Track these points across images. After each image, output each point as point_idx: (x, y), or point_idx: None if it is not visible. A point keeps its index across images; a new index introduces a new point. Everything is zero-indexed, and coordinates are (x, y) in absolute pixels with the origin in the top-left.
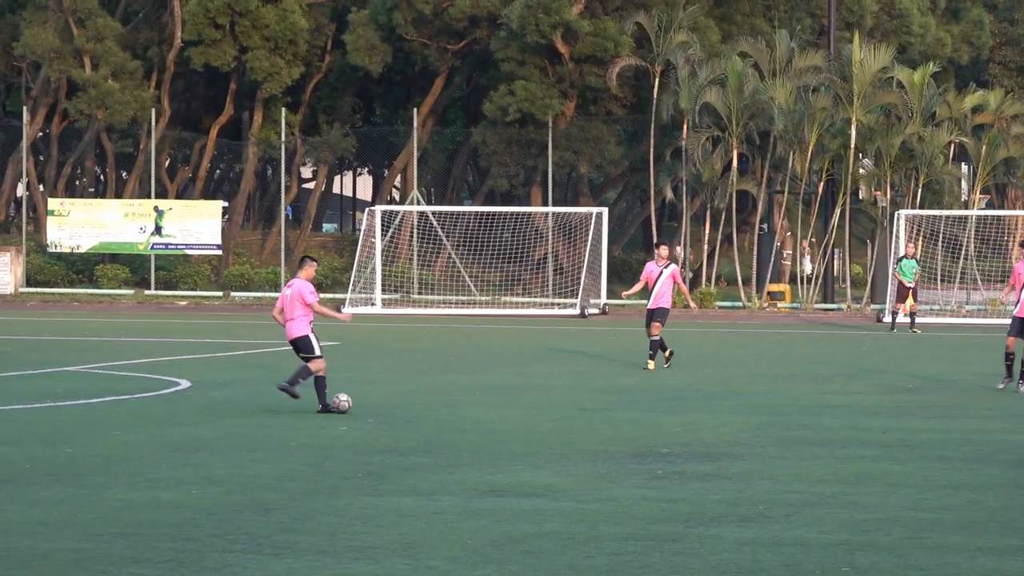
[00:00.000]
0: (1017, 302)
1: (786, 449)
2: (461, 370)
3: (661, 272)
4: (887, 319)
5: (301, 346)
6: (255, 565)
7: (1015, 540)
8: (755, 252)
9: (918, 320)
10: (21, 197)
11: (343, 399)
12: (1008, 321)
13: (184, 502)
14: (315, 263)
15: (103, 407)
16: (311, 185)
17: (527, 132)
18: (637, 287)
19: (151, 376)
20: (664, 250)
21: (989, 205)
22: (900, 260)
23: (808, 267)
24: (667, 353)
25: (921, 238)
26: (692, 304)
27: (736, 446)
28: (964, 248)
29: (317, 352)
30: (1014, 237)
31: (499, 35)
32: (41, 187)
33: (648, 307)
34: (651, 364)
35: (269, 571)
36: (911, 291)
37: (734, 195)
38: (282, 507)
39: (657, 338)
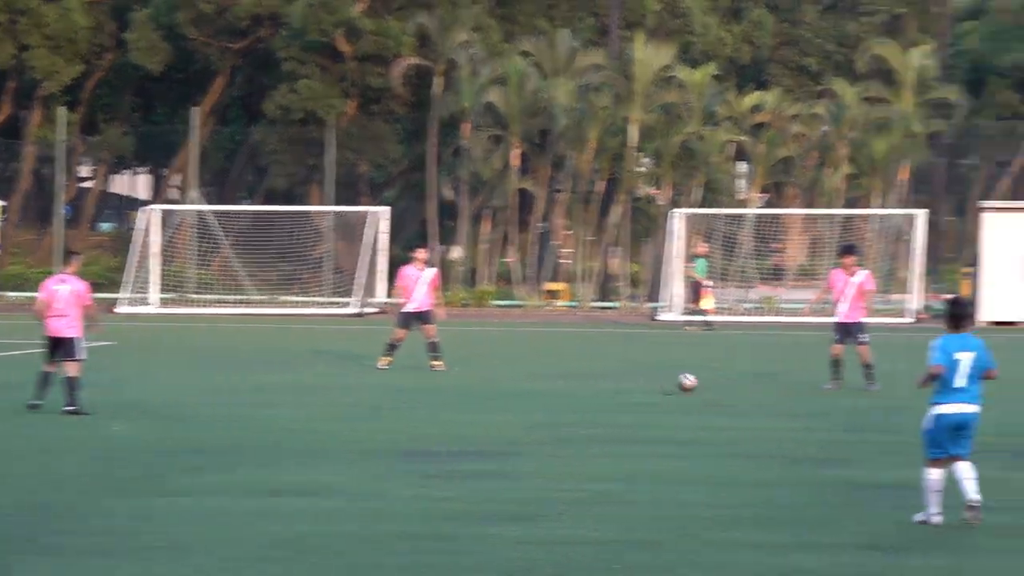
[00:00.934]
0: (836, 308)
1: (562, 447)
2: (238, 370)
3: (420, 277)
4: (661, 317)
5: (68, 347)
6: (29, 566)
7: (788, 536)
8: (534, 251)
9: (689, 318)
10: None
11: None
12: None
13: None
14: (81, 256)
15: None
16: (90, 184)
17: (308, 131)
18: (404, 296)
19: None
20: (423, 253)
21: (767, 203)
22: (694, 259)
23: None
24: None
25: (699, 237)
26: (442, 312)
27: (512, 444)
28: (741, 246)
29: (81, 356)
30: (790, 235)
31: (281, 34)
32: None
33: (410, 311)
34: (439, 364)
35: (37, 572)
36: (708, 289)
37: (514, 194)
38: (56, 508)
39: (436, 340)
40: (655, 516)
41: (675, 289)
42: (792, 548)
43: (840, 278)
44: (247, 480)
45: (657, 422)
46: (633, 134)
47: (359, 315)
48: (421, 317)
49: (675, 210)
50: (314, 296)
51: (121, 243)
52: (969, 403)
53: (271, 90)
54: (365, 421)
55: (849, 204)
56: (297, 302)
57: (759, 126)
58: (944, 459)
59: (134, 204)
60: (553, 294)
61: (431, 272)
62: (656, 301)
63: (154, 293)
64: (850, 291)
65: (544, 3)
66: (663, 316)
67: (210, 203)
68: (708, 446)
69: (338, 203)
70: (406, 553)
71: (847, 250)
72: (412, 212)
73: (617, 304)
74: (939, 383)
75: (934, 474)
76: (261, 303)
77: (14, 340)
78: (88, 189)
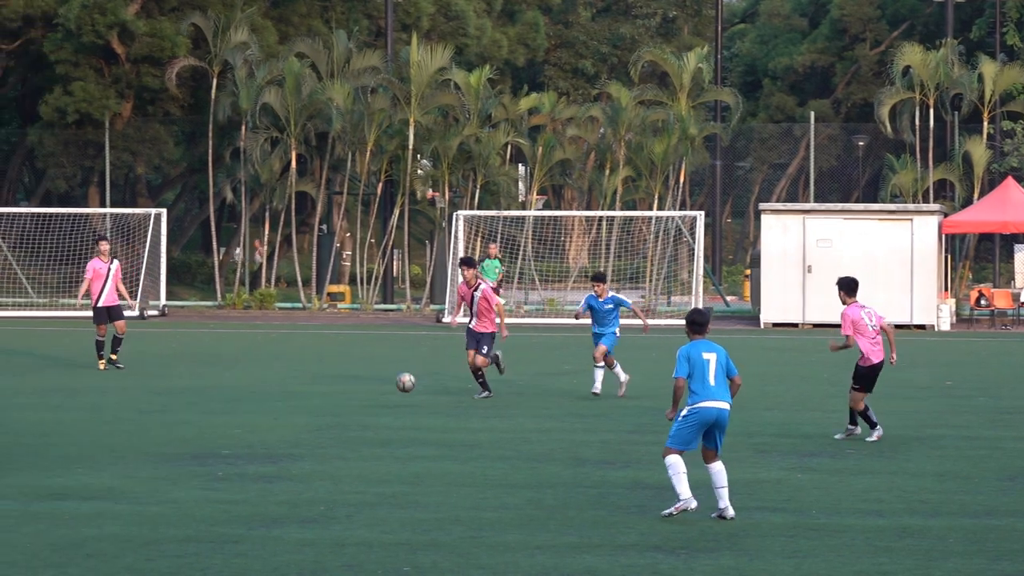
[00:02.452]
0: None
1: (347, 449)
2: (13, 372)
3: (109, 268)
4: (446, 319)
5: None
6: None
7: (573, 537)
8: (315, 253)
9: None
10: None
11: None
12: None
13: None
14: None
15: None
16: None
17: (84, 133)
18: (96, 288)
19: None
20: (105, 245)
21: (546, 206)
22: (483, 261)
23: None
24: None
25: (480, 239)
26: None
27: (297, 447)
28: (522, 249)
29: None
30: (571, 237)
31: (55, 36)
32: None
33: (104, 304)
34: (102, 364)
35: None
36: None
37: (293, 196)
38: None
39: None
40: (443, 518)
41: (451, 291)
42: (582, 548)
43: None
44: (26, 484)
45: (442, 425)
46: (411, 136)
47: (141, 317)
48: (112, 312)
49: (457, 212)
50: None
51: None
52: (722, 400)
53: (45, 92)
54: (148, 424)
55: (628, 206)
56: (78, 304)
57: (536, 128)
58: (685, 451)
59: None
60: (336, 296)
61: (116, 265)
62: (439, 303)
63: None
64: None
65: (319, 5)
66: (447, 318)
67: None
68: (494, 448)
69: (116, 205)
70: (193, 556)
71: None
72: (192, 214)
73: (401, 307)
74: (693, 384)
75: (673, 458)
76: (42, 306)
77: None
78: None
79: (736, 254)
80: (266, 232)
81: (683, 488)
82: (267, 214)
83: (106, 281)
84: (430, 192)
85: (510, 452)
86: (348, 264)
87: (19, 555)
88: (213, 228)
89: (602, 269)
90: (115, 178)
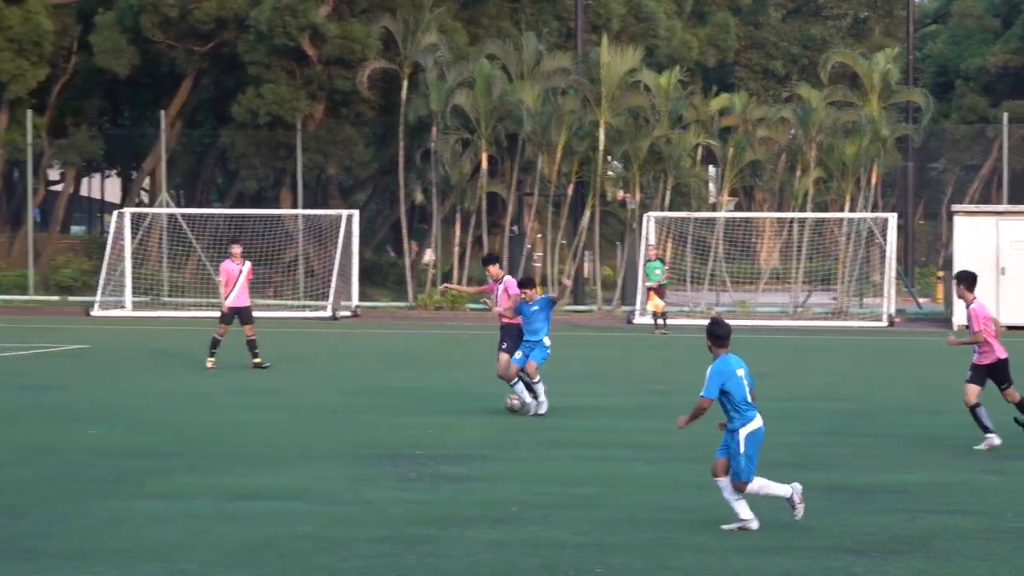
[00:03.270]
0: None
1: (539, 450)
2: (212, 373)
3: (240, 270)
4: (639, 320)
5: None
6: (6, 570)
7: (768, 540)
8: (505, 254)
9: (669, 322)
10: None
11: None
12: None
13: None
14: None
15: None
16: (59, 187)
17: (276, 134)
18: (228, 290)
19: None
20: (238, 248)
21: (737, 207)
22: (646, 262)
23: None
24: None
25: (671, 240)
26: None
27: (488, 448)
28: (713, 250)
29: None
30: (762, 239)
31: (247, 38)
32: None
33: (232, 305)
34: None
35: None
36: (656, 291)
37: (484, 197)
38: (32, 512)
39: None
40: (633, 519)
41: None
42: (775, 551)
43: None
44: (222, 484)
45: (633, 426)
46: (601, 137)
47: (333, 318)
48: (241, 314)
49: (648, 213)
50: (288, 299)
51: (93, 246)
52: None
53: (238, 93)
54: (341, 425)
55: (819, 208)
56: (271, 305)
57: (727, 130)
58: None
59: (105, 207)
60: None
61: (248, 265)
62: (630, 304)
63: (128, 296)
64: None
65: (508, 7)
66: (638, 319)
67: (180, 206)
68: (686, 450)
69: (308, 206)
70: (386, 556)
71: None
72: (383, 215)
73: (592, 308)
74: (732, 404)
75: (756, 484)
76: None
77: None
78: (58, 192)
79: (928, 256)
80: (457, 233)
81: (781, 489)
82: (458, 215)
83: (236, 282)
84: (621, 193)
85: (702, 454)
86: (539, 265)
87: (213, 554)
88: (404, 229)
89: (531, 275)
90: (307, 179)
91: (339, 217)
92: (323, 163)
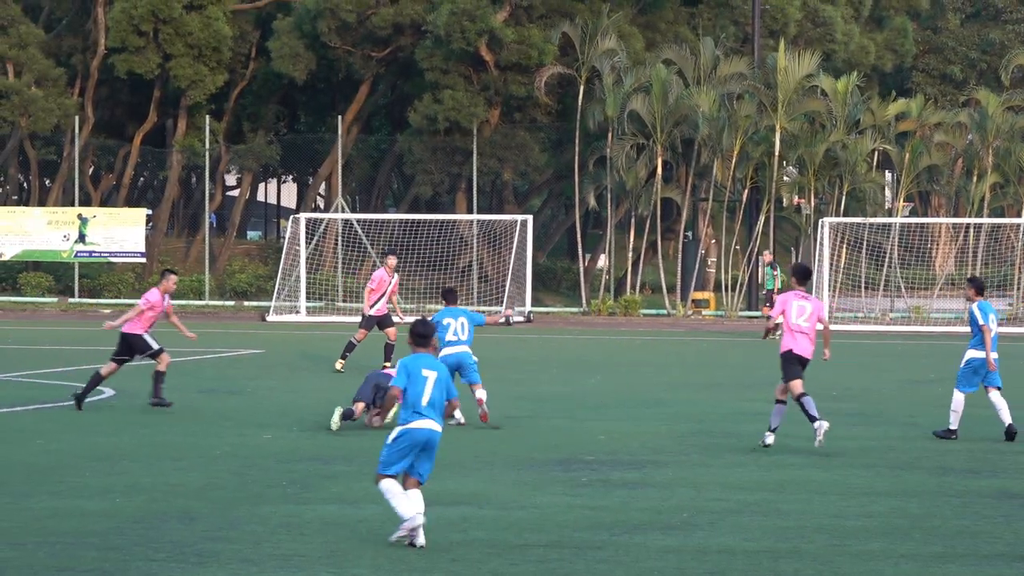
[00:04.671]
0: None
1: (710, 457)
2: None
3: (390, 281)
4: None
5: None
6: (179, 574)
7: (938, 547)
8: (680, 260)
9: (841, 328)
10: None
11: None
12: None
13: (108, 511)
14: (174, 275)
15: (26, 415)
16: (236, 193)
17: (452, 140)
18: (374, 297)
19: (76, 384)
20: (393, 260)
21: (912, 213)
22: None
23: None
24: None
25: (845, 246)
26: (401, 316)
27: (660, 454)
28: (888, 256)
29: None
30: (937, 244)
31: (424, 43)
32: None
33: (375, 314)
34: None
35: None
36: (771, 295)
37: (658, 203)
38: (206, 516)
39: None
40: (806, 526)
41: (823, 297)
42: (947, 558)
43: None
44: None
45: (806, 432)
46: (777, 143)
47: (507, 323)
48: (382, 321)
49: (823, 219)
50: (462, 304)
51: (268, 251)
52: (436, 421)
53: (414, 99)
54: (515, 429)
55: (996, 213)
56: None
57: (903, 135)
58: (398, 476)
59: (280, 212)
60: (700, 303)
61: (396, 279)
62: None
63: (302, 301)
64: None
65: (685, 12)
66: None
67: (356, 211)
68: (858, 456)
69: (483, 212)
70: (556, 561)
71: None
72: (557, 221)
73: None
74: (406, 401)
75: (388, 484)
76: (409, 311)
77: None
78: (235, 197)
79: None
80: (631, 238)
81: (407, 509)
82: (632, 220)
83: (384, 292)
84: (796, 199)
85: (874, 460)
86: (713, 271)
87: (385, 559)
88: (579, 234)
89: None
90: (482, 184)
91: (514, 222)
92: (498, 168)
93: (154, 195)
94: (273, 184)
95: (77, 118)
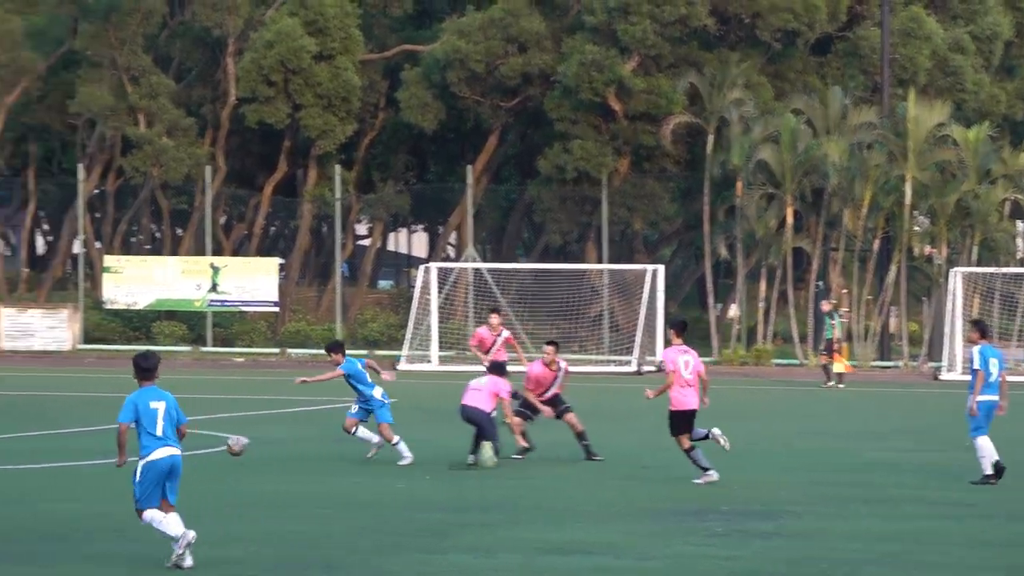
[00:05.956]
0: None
1: (844, 507)
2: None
3: (495, 339)
4: (945, 376)
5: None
6: None
7: None
8: (811, 309)
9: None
10: (77, 254)
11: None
12: None
13: (244, 559)
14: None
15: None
16: (366, 242)
17: (581, 189)
18: (480, 353)
19: (209, 433)
20: (495, 318)
21: None
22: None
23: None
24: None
25: (978, 296)
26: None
27: (794, 504)
28: (1021, 306)
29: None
30: None
31: (553, 93)
32: (98, 244)
33: (492, 360)
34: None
35: None
36: (831, 344)
37: (789, 252)
38: (345, 564)
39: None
40: None
41: (956, 348)
42: None
43: None
44: (531, 538)
45: (939, 484)
46: (908, 192)
47: (638, 373)
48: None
49: (955, 269)
50: (592, 354)
51: (400, 300)
52: (174, 447)
53: (543, 148)
54: (650, 479)
55: None
56: (575, 360)
57: None
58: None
59: (411, 261)
60: (830, 368)
61: (506, 335)
62: (937, 360)
63: (434, 350)
64: None
65: (814, 61)
66: (945, 375)
67: (486, 260)
68: (990, 507)
69: (613, 261)
70: None
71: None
72: (688, 270)
73: (898, 364)
74: (142, 432)
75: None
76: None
77: (296, 397)
78: (365, 247)
79: None
80: (762, 288)
81: (175, 529)
82: (763, 270)
83: (489, 350)
84: (927, 248)
85: (1009, 509)
86: (845, 320)
87: None
88: (709, 284)
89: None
90: (612, 234)
91: (644, 272)
92: (628, 218)
93: (285, 244)
94: (403, 233)
95: (208, 168)
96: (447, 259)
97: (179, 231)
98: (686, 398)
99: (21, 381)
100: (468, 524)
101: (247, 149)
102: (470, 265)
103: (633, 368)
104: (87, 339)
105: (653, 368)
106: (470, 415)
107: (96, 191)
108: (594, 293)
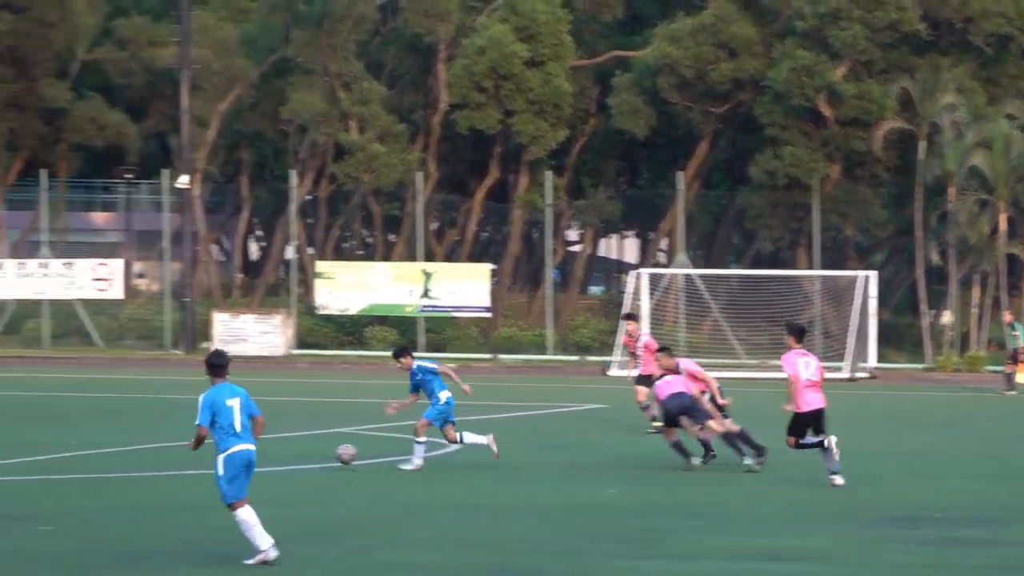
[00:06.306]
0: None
1: None
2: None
3: (635, 342)
4: None
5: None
6: None
7: None
8: None
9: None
10: (290, 260)
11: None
12: None
13: (451, 563)
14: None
15: (373, 469)
16: (577, 248)
17: (792, 195)
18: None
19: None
20: (630, 325)
21: None
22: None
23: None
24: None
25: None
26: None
27: (1008, 510)
28: None
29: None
30: None
31: (763, 99)
32: (310, 249)
33: (642, 374)
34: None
35: None
36: (1016, 353)
37: (1002, 258)
38: (551, 569)
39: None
40: None
41: None
42: None
43: None
44: (740, 544)
45: None
46: None
47: (851, 379)
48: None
49: None
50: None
51: (610, 306)
52: (249, 443)
53: (754, 153)
54: (859, 485)
55: None
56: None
57: None
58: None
59: (622, 267)
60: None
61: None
62: None
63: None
64: None
65: None
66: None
67: (697, 267)
68: None
69: (824, 267)
70: None
71: None
72: (900, 276)
73: None
74: (220, 429)
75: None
76: (751, 367)
77: (506, 403)
78: (576, 253)
79: None
80: (975, 295)
81: (261, 539)
82: (976, 276)
83: (634, 354)
84: None
85: None
86: None
87: None
88: (921, 290)
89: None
90: (823, 240)
91: (856, 278)
92: (839, 224)
93: (496, 250)
94: (615, 239)
95: (420, 174)
96: (658, 265)
97: (391, 237)
98: (811, 399)
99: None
100: (676, 530)
101: (458, 155)
102: (680, 271)
103: (846, 374)
104: (300, 344)
105: (866, 375)
106: (681, 402)
107: (308, 197)
108: (806, 299)
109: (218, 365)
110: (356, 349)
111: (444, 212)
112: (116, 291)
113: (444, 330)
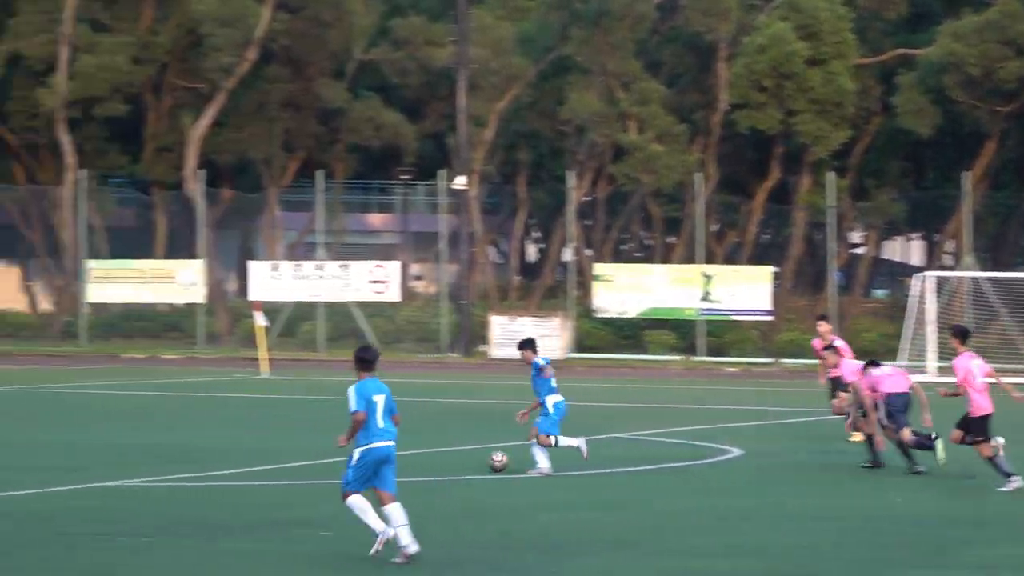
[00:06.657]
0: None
1: None
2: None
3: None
4: None
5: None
6: None
7: None
8: None
9: None
10: (567, 262)
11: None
12: None
13: (733, 571)
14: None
15: (653, 475)
16: (861, 250)
17: None
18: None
19: (700, 444)
20: (820, 325)
21: None
22: None
23: None
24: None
25: None
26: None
27: None
28: None
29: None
30: None
31: None
32: (588, 251)
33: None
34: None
35: None
36: None
37: None
38: None
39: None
40: None
41: None
42: None
43: None
44: None
45: None
46: None
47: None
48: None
49: None
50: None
51: (895, 310)
52: (390, 439)
53: None
54: None
55: None
56: None
57: None
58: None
59: (906, 270)
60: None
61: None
62: None
63: (931, 361)
64: None
65: None
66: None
67: (985, 269)
68: None
69: None
70: None
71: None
72: None
73: None
74: (364, 423)
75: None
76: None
77: (790, 408)
78: (860, 255)
79: None
80: None
81: (375, 522)
82: None
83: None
84: None
85: None
86: None
87: None
88: None
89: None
90: None
91: None
92: None
93: (777, 252)
94: (899, 241)
95: (699, 175)
96: (944, 268)
97: (670, 239)
98: (984, 403)
99: (507, 390)
100: (967, 541)
101: (738, 155)
102: (967, 274)
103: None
104: (578, 347)
105: None
106: (906, 402)
107: (586, 198)
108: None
109: (367, 360)
110: (635, 353)
111: (724, 214)
112: (392, 293)
113: (724, 333)
